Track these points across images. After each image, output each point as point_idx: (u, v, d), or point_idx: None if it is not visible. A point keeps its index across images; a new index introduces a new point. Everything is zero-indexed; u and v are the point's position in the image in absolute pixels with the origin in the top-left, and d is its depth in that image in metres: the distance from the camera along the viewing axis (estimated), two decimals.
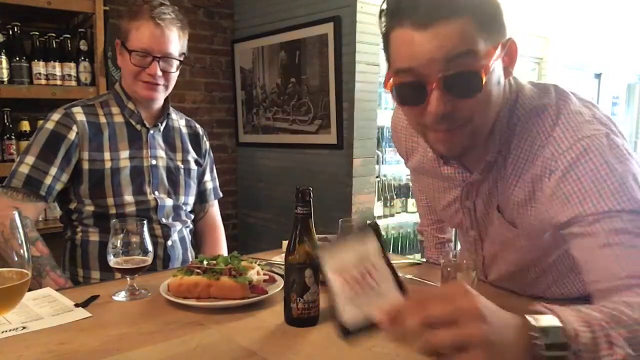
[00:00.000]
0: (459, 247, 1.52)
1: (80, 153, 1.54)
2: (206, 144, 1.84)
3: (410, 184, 1.55)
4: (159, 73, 1.55)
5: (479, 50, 0.86)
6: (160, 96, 1.61)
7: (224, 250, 1.88)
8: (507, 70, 0.94)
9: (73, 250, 1.61)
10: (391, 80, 0.93)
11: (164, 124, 1.69)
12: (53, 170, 1.51)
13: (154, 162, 1.64)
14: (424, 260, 1.62)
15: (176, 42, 1.57)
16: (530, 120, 0.98)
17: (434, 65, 0.86)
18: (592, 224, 0.86)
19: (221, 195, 1.92)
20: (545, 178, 0.94)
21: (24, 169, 1.49)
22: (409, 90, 0.92)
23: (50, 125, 1.53)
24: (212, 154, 1.88)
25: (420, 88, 0.88)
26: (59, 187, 1.53)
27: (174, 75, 1.61)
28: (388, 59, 0.98)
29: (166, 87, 1.60)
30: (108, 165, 1.56)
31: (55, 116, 1.54)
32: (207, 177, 1.86)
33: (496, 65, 0.90)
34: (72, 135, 1.53)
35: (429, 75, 0.87)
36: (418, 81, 0.88)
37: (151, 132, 1.65)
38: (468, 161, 1.09)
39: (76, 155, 1.54)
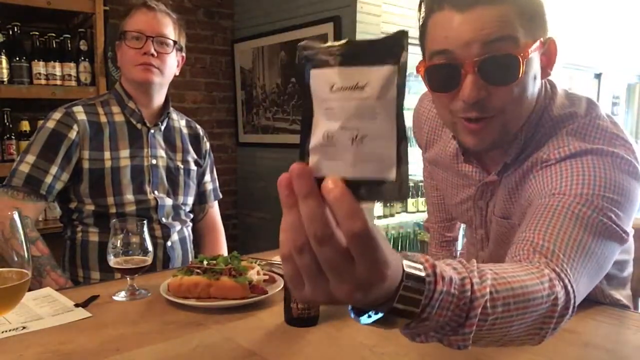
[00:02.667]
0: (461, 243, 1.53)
1: (81, 152, 1.54)
2: (206, 144, 1.84)
3: (422, 179, 1.54)
4: (153, 52, 1.55)
5: (518, 38, 0.83)
6: (156, 80, 1.59)
7: (224, 251, 1.88)
8: (545, 70, 0.92)
9: (73, 250, 1.61)
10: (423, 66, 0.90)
11: (164, 124, 1.69)
12: (53, 170, 1.51)
13: (154, 161, 1.64)
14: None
15: (170, 27, 1.60)
16: (553, 129, 0.95)
17: (470, 48, 0.83)
18: (559, 199, 0.81)
19: (221, 196, 1.92)
20: (536, 166, 0.92)
21: (25, 168, 1.49)
22: (442, 73, 0.89)
23: (51, 124, 1.53)
24: (212, 155, 1.88)
25: (454, 72, 0.86)
26: (59, 186, 1.53)
27: (170, 60, 1.60)
28: (423, 50, 0.95)
29: (161, 71, 1.59)
30: (108, 164, 1.56)
31: (56, 115, 1.54)
32: (207, 177, 1.86)
33: (534, 59, 0.86)
34: (72, 135, 1.53)
35: (465, 58, 0.84)
36: (453, 64, 0.86)
37: (152, 131, 1.65)
38: (487, 161, 1.07)
39: (77, 155, 1.54)
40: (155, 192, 1.64)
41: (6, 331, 0.98)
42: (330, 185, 0.46)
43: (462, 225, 1.47)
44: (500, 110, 0.88)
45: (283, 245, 0.49)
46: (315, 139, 0.51)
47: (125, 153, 1.60)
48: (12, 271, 0.79)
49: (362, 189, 0.47)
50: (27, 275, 0.80)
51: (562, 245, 0.74)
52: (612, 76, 4.91)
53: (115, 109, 1.63)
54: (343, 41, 0.47)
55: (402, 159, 0.47)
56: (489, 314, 0.59)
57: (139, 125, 1.64)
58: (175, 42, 1.61)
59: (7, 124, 2.50)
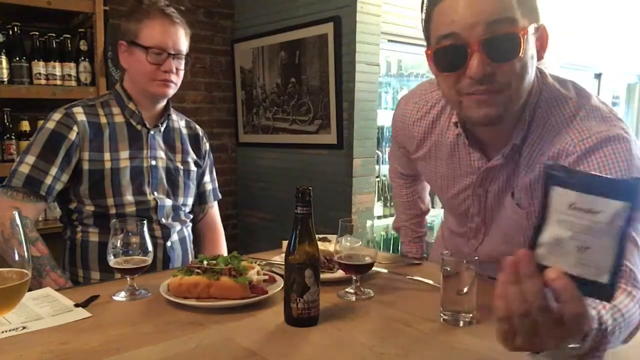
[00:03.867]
0: (432, 238, 1.62)
1: (81, 153, 1.54)
2: (206, 145, 1.84)
3: (391, 182, 1.62)
4: (174, 70, 1.57)
5: (517, 19, 0.91)
6: (171, 92, 1.62)
7: (223, 251, 1.88)
8: (539, 53, 0.99)
9: (73, 250, 1.61)
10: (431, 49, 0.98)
11: (164, 125, 1.69)
12: (53, 170, 1.51)
13: (153, 162, 1.64)
14: (423, 257, 1.63)
15: (185, 40, 1.61)
16: (550, 109, 1.04)
17: (474, 29, 0.90)
18: None
19: (220, 196, 1.92)
20: (561, 160, 0.99)
21: (25, 169, 1.49)
22: (449, 54, 0.95)
23: (51, 125, 1.53)
24: (211, 156, 1.88)
25: (461, 52, 0.92)
26: (59, 187, 1.53)
27: (182, 73, 1.63)
28: (427, 35, 1.02)
29: (176, 84, 1.62)
30: (108, 165, 1.56)
31: (56, 116, 1.54)
32: (207, 178, 1.86)
33: (531, 40, 0.94)
34: (72, 136, 1.53)
35: (470, 38, 0.91)
36: (459, 45, 0.92)
37: (151, 132, 1.65)
38: (489, 148, 1.12)
39: (76, 156, 1.53)
40: (155, 193, 1.64)
41: (6, 331, 0.98)
42: (553, 274, 0.64)
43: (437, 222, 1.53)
44: (506, 84, 0.94)
45: (503, 309, 0.67)
46: (546, 236, 0.67)
47: (125, 154, 1.59)
48: (12, 271, 0.79)
49: (576, 283, 0.64)
50: (27, 275, 0.80)
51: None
52: (612, 76, 4.91)
53: (116, 109, 1.63)
54: (584, 172, 0.70)
55: (616, 272, 0.63)
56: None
57: (138, 127, 1.64)
58: (189, 58, 1.63)
59: (7, 124, 2.50)
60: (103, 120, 1.59)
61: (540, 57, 0.99)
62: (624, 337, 0.84)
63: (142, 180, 1.61)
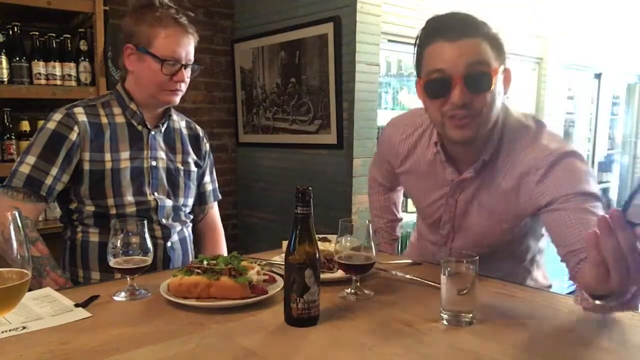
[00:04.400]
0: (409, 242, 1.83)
1: (81, 154, 1.54)
2: (206, 145, 1.84)
3: (369, 190, 1.86)
4: (186, 80, 1.59)
5: (490, 62, 1.18)
6: (178, 100, 1.63)
7: (223, 251, 1.88)
8: (504, 89, 1.25)
9: (73, 250, 1.61)
10: (421, 81, 1.24)
11: (165, 125, 1.69)
12: (54, 171, 1.51)
13: (154, 163, 1.64)
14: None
15: (194, 47, 1.62)
16: (516, 134, 1.30)
17: (457, 67, 1.16)
18: (564, 202, 1.17)
19: (220, 197, 1.92)
20: (532, 174, 1.23)
21: (25, 169, 1.49)
22: (438, 85, 1.20)
23: (51, 125, 1.53)
24: (212, 156, 1.88)
25: (446, 83, 1.18)
26: (59, 187, 1.53)
27: (189, 80, 1.64)
28: (418, 69, 1.28)
29: (183, 91, 1.63)
30: (109, 165, 1.56)
31: (57, 116, 1.54)
32: (207, 178, 1.86)
33: (499, 79, 1.20)
34: (73, 136, 1.52)
35: (454, 73, 1.17)
36: (445, 78, 1.18)
37: (152, 133, 1.65)
38: (461, 163, 1.36)
39: (77, 156, 1.53)
40: (155, 193, 1.63)
41: (6, 331, 0.98)
42: None
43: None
44: (478, 111, 1.20)
45: (599, 256, 0.82)
46: (638, 201, 0.77)
47: (125, 155, 1.59)
48: (12, 271, 0.79)
49: None
50: (27, 275, 0.80)
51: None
52: (612, 76, 4.91)
53: (117, 110, 1.63)
54: None
55: None
56: None
57: (139, 127, 1.63)
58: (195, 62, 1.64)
59: (7, 124, 2.50)
60: (104, 120, 1.59)
61: (505, 93, 1.25)
62: None
63: (143, 181, 1.61)
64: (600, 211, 1.15)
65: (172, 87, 1.57)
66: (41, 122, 1.59)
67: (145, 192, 1.61)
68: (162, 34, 1.53)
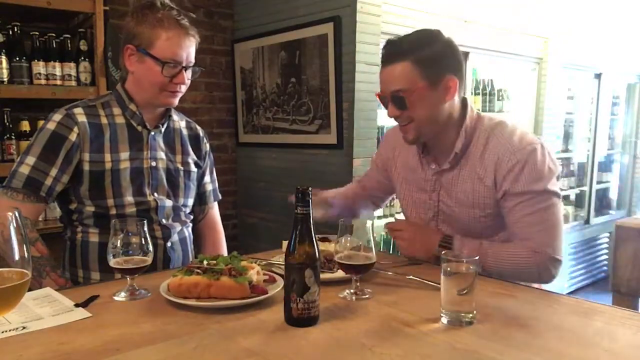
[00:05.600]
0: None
1: (81, 154, 1.54)
2: (206, 145, 1.84)
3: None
4: (186, 81, 1.58)
5: (412, 84, 1.42)
6: (177, 102, 1.63)
7: (224, 251, 1.88)
8: (445, 97, 1.46)
9: (73, 250, 1.61)
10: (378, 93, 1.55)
11: (165, 126, 1.69)
12: (53, 172, 1.51)
13: (153, 163, 1.64)
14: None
15: (195, 49, 1.60)
16: (491, 131, 1.51)
17: (385, 90, 1.49)
18: (523, 198, 1.42)
19: (220, 197, 1.92)
20: (504, 163, 1.44)
21: (25, 170, 1.49)
22: (381, 101, 1.54)
23: (51, 125, 1.53)
24: (212, 156, 1.88)
25: (385, 100, 1.51)
26: (59, 188, 1.53)
27: (189, 82, 1.63)
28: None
29: (182, 93, 1.62)
30: (108, 166, 1.56)
31: (57, 117, 1.54)
32: (207, 179, 1.85)
33: (427, 94, 1.43)
34: (73, 137, 1.52)
35: (385, 94, 1.49)
36: (383, 97, 1.52)
37: (152, 133, 1.64)
38: (437, 155, 1.57)
39: (77, 157, 1.53)
40: (155, 194, 1.63)
41: (6, 331, 0.98)
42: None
43: None
44: (409, 120, 1.48)
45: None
46: None
47: (125, 155, 1.59)
48: (12, 271, 0.79)
49: None
50: (27, 276, 0.80)
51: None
52: (612, 76, 4.91)
53: (116, 110, 1.62)
54: None
55: None
56: None
57: (139, 128, 1.63)
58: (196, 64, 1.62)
59: (7, 124, 2.50)
60: (104, 121, 1.59)
61: (448, 99, 1.46)
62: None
63: (142, 181, 1.61)
64: (556, 205, 1.43)
65: (172, 88, 1.56)
66: (41, 122, 1.59)
67: (145, 192, 1.61)
68: (164, 35, 1.51)
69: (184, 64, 1.55)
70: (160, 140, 1.67)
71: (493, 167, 1.46)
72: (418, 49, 1.42)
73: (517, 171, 1.42)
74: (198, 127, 1.84)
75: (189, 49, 1.56)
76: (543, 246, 1.40)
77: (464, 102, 1.54)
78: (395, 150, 1.73)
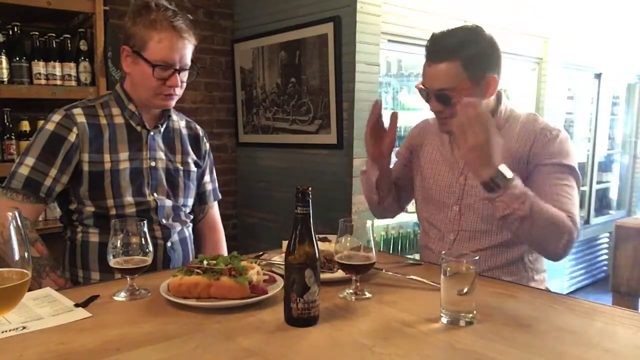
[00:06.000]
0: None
1: (81, 155, 1.54)
2: (206, 145, 1.84)
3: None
4: (179, 84, 1.56)
5: (457, 83, 1.48)
6: (173, 104, 1.63)
7: (224, 251, 1.88)
8: (486, 94, 1.55)
9: (73, 250, 1.61)
10: (420, 86, 1.60)
11: (164, 126, 1.68)
12: (53, 172, 1.51)
13: (153, 163, 1.63)
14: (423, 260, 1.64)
15: (191, 52, 1.58)
16: (526, 118, 1.62)
17: (431, 87, 1.53)
18: (549, 169, 1.51)
19: (220, 196, 1.92)
20: (541, 138, 1.54)
21: (24, 171, 1.49)
22: (423, 94, 1.58)
23: (50, 126, 1.53)
24: (212, 156, 1.88)
25: (428, 95, 1.56)
26: (58, 188, 1.53)
27: (185, 84, 1.62)
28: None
29: (179, 95, 1.61)
30: (108, 167, 1.56)
31: (56, 117, 1.54)
32: (207, 178, 1.85)
33: (471, 93, 1.47)
34: (72, 137, 1.52)
35: (429, 90, 1.54)
36: (427, 91, 1.56)
37: (151, 133, 1.64)
38: None
39: (76, 157, 1.53)
40: (155, 194, 1.63)
41: (6, 331, 0.98)
42: None
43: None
44: (451, 115, 1.49)
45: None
46: None
47: (124, 156, 1.59)
48: (12, 271, 0.79)
49: None
50: (27, 276, 0.80)
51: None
52: (612, 76, 4.91)
53: (115, 110, 1.62)
54: None
55: None
56: None
57: (138, 128, 1.62)
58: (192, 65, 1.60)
59: (7, 124, 2.50)
60: (103, 121, 1.59)
61: (490, 94, 1.56)
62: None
63: (142, 182, 1.61)
64: (571, 182, 1.50)
65: (165, 91, 1.55)
66: (41, 122, 1.59)
67: (145, 192, 1.61)
68: (156, 37, 1.50)
69: (176, 67, 1.53)
70: (159, 140, 1.67)
71: (528, 147, 1.53)
72: (466, 48, 1.47)
73: (553, 144, 1.51)
74: (198, 127, 1.84)
75: (183, 51, 1.54)
76: (574, 216, 1.45)
77: (498, 95, 1.62)
78: (426, 137, 1.77)
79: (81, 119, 1.55)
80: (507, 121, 1.60)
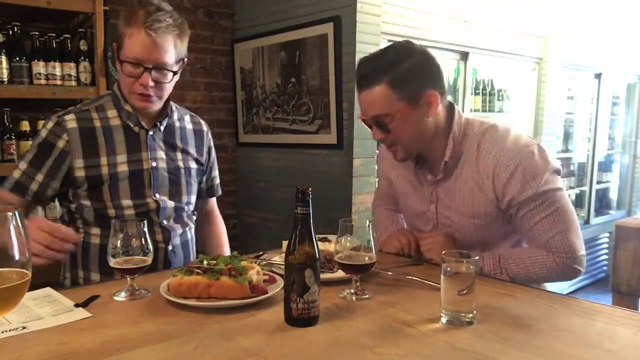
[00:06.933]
0: None
1: (73, 161, 1.53)
2: (210, 141, 1.83)
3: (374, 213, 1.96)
4: (151, 84, 1.49)
5: (389, 112, 1.39)
6: (155, 106, 1.57)
7: (225, 240, 1.93)
8: (429, 112, 1.42)
9: (73, 251, 1.60)
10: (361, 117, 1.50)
11: (163, 124, 1.66)
12: (40, 177, 1.54)
13: (154, 164, 1.62)
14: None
15: (171, 51, 1.49)
16: (482, 137, 1.46)
17: (366, 116, 1.45)
18: (527, 204, 1.41)
19: (221, 191, 1.93)
20: (502, 171, 1.41)
21: (16, 174, 1.55)
22: (365, 123, 1.49)
23: (43, 133, 1.55)
24: (214, 152, 1.88)
25: (368, 124, 1.48)
26: (50, 193, 1.56)
27: (169, 86, 1.55)
28: None
29: (160, 97, 1.55)
30: (105, 170, 1.55)
31: (49, 124, 1.55)
32: (215, 173, 1.88)
33: (409, 111, 1.39)
34: (61, 144, 1.53)
35: (367, 120, 1.46)
36: (367, 121, 1.47)
37: (150, 133, 1.62)
38: (430, 166, 1.55)
39: (66, 163, 1.53)
40: (157, 194, 1.61)
41: (6, 331, 0.98)
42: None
43: None
44: (394, 141, 1.46)
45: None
46: None
47: (122, 158, 1.58)
48: (12, 271, 0.79)
49: None
50: (27, 276, 0.80)
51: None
52: (612, 76, 4.91)
53: (111, 112, 1.59)
54: None
55: None
56: None
57: (136, 129, 1.60)
58: (174, 71, 1.53)
59: (7, 124, 2.50)
60: (97, 124, 1.57)
61: (432, 113, 1.42)
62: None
63: (142, 183, 1.60)
64: (565, 203, 1.41)
65: (138, 90, 1.50)
66: (41, 122, 1.60)
67: (145, 194, 1.60)
68: (129, 33, 1.45)
69: (146, 65, 1.46)
70: (159, 140, 1.65)
71: (491, 176, 1.42)
72: (391, 69, 1.36)
73: (518, 177, 1.39)
74: (202, 122, 1.82)
75: (152, 49, 1.45)
76: (561, 251, 1.40)
77: (450, 109, 1.49)
78: (393, 166, 1.69)
79: (72, 124, 1.54)
80: (464, 140, 1.48)
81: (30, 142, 2.41)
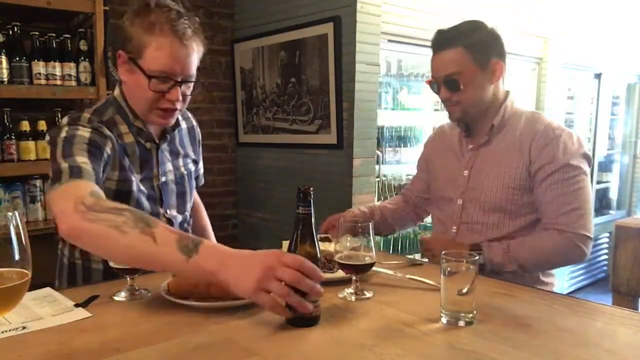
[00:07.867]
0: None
1: (110, 172, 1.39)
2: (199, 134, 1.75)
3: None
4: (180, 98, 1.37)
5: (462, 68, 1.59)
6: (173, 121, 1.46)
7: (208, 222, 1.87)
8: (491, 80, 1.64)
9: (73, 251, 1.60)
10: (430, 80, 1.71)
11: (172, 134, 1.57)
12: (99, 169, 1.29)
13: (163, 179, 1.53)
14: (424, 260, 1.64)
15: (197, 60, 1.39)
16: (531, 115, 1.69)
17: (438, 75, 1.65)
18: (554, 172, 1.56)
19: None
20: (542, 138, 1.59)
21: (82, 164, 1.23)
22: (433, 86, 1.69)
23: (85, 133, 1.31)
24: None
25: (436, 85, 1.67)
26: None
27: (189, 98, 1.43)
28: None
29: (180, 110, 1.43)
30: (134, 187, 1.42)
31: (86, 125, 1.33)
32: (201, 163, 1.78)
33: (477, 76, 1.61)
34: (108, 150, 1.35)
35: (437, 80, 1.66)
36: (435, 82, 1.67)
37: (161, 147, 1.52)
38: (475, 133, 1.72)
39: (107, 171, 1.36)
40: (168, 211, 1.54)
41: (6, 331, 0.99)
42: None
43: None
44: (457, 102, 1.64)
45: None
46: None
47: (136, 176, 1.45)
48: (12, 271, 0.79)
49: None
50: (27, 276, 0.80)
51: None
52: (612, 76, 4.91)
53: (123, 128, 1.43)
54: None
55: None
56: None
57: (148, 145, 1.48)
58: (196, 81, 1.42)
59: (7, 124, 2.49)
60: (115, 140, 1.42)
61: (496, 79, 1.64)
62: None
63: (155, 201, 1.51)
64: (586, 185, 1.58)
65: (164, 105, 1.36)
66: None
67: (159, 212, 1.51)
68: (154, 43, 1.31)
69: (177, 78, 1.34)
70: (166, 152, 1.56)
71: (530, 140, 1.60)
72: (467, 36, 1.59)
73: (554, 146, 1.56)
74: (190, 115, 1.72)
75: (185, 60, 1.34)
76: (570, 226, 1.54)
77: (507, 93, 1.71)
78: (441, 140, 1.87)
79: (107, 132, 1.36)
80: (513, 115, 1.68)
81: (30, 142, 2.46)
